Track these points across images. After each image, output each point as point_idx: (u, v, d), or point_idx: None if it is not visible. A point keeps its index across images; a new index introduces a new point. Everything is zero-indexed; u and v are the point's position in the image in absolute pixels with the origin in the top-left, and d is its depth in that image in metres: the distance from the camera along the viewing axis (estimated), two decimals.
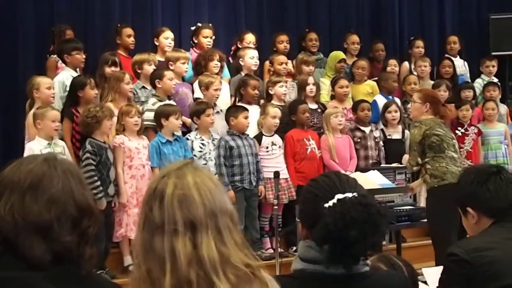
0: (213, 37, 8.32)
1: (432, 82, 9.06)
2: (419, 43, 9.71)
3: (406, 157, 6.73)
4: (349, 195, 2.11)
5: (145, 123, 6.93)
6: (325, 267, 2.12)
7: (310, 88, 8.01)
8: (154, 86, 7.29)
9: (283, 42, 8.78)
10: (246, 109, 7.30)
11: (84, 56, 7.40)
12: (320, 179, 2.24)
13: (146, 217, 1.74)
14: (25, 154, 6.17)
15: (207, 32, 8.32)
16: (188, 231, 1.69)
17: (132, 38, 8.08)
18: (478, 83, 9.56)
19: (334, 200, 2.11)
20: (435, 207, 6.09)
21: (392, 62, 9.17)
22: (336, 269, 2.13)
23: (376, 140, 8.12)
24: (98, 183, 6.37)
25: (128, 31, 8.10)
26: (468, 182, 2.96)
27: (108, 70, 7.29)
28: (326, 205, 2.11)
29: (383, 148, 8.14)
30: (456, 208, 6.00)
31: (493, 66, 9.73)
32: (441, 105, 6.41)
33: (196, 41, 8.37)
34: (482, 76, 9.71)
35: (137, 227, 1.77)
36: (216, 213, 1.73)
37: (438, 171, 6.11)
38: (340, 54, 8.92)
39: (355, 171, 7.35)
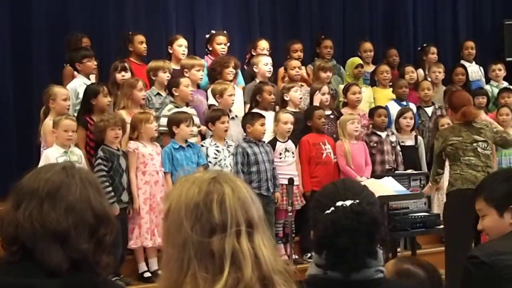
0: (228, 44, 8.33)
1: (445, 88, 9.03)
2: (434, 49, 9.67)
3: None
4: (348, 202, 2.11)
5: (161, 128, 6.96)
6: (325, 273, 2.13)
7: (326, 98, 8.00)
8: (171, 94, 7.32)
9: (297, 51, 8.75)
10: (263, 116, 7.29)
11: (95, 63, 7.43)
12: (327, 187, 2.26)
13: (198, 219, 1.71)
14: (41, 161, 6.26)
15: (222, 39, 8.33)
16: (247, 233, 1.72)
17: (144, 45, 8.07)
18: (486, 89, 9.50)
19: (333, 208, 2.12)
20: (446, 213, 6.42)
21: (409, 69, 9.14)
22: (344, 275, 2.13)
23: (393, 144, 8.08)
24: (110, 189, 6.38)
25: (140, 38, 8.08)
26: (503, 179, 2.96)
27: (119, 76, 7.32)
28: (325, 212, 2.12)
29: (400, 152, 8.09)
30: (465, 214, 5.96)
31: (500, 70, 9.66)
32: (464, 106, 6.38)
33: (210, 48, 8.37)
34: (492, 82, 9.67)
35: (180, 230, 1.72)
36: (261, 217, 1.78)
37: (452, 177, 6.34)
38: (356, 60, 8.95)
39: (371, 177, 7.34)
